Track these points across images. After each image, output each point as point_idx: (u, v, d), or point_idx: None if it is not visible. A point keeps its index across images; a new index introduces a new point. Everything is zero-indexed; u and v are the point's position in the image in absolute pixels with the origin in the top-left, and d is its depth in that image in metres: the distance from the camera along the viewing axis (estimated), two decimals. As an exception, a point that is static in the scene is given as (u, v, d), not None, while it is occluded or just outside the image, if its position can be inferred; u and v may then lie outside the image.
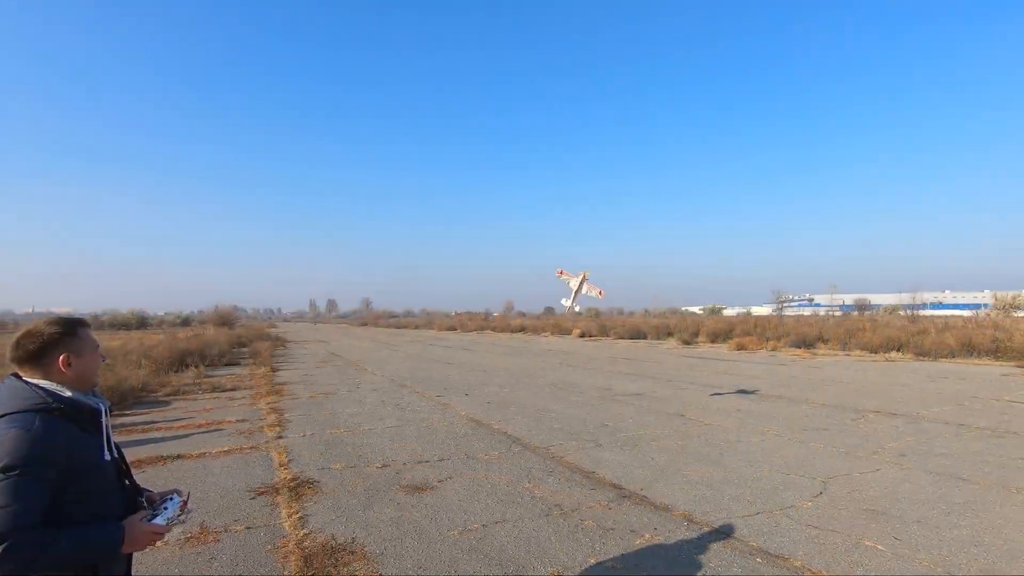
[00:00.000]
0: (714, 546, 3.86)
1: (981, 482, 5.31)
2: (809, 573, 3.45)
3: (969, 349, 19.06)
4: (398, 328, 76.45)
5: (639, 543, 3.92)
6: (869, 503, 4.74)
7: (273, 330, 57.89)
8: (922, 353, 19.49)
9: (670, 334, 34.31)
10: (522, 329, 51.74)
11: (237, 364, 19.00)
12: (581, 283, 11.25)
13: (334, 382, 13.78)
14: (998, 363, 17.05)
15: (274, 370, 16.66)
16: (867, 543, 3.90)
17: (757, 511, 4.57)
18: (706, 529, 4.18)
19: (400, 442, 7.18)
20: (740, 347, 24.84)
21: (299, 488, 5.23)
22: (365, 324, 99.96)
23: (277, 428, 8.05)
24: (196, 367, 15.43)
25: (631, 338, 35.96)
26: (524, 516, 4.48)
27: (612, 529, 4.18)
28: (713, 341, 29.44)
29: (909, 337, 21.12)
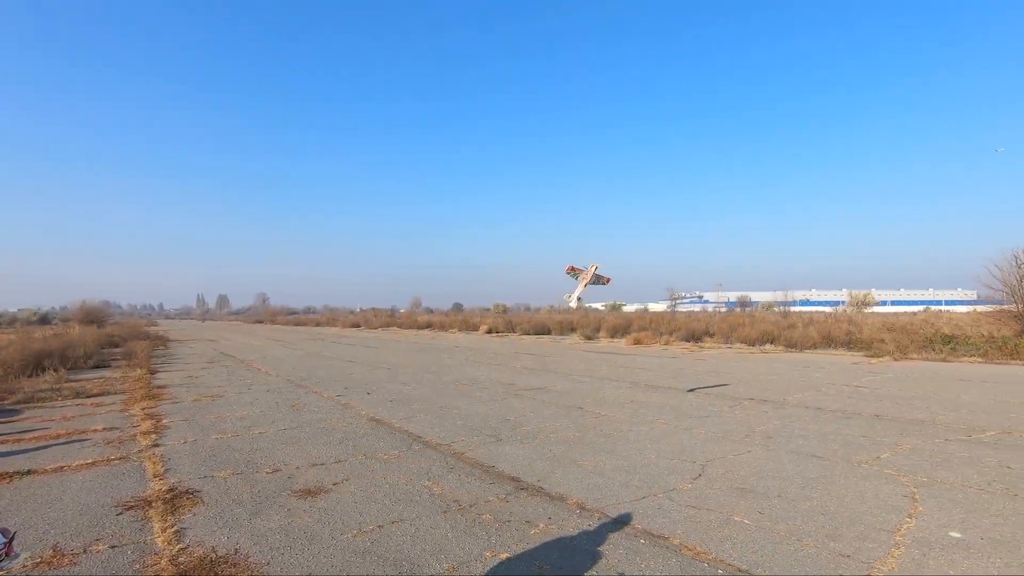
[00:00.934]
0: (603, 531, 4.07)
1: (830, 458, 6.03)
2: (685, 549, 3.74)
3: (828, 341, 21.56)
4: (298, 325, 72.79)
5: (534, 533, 4.04)
6: (740, 482, 5.22)
7: (153, 328, 52.87)
8: (791, 345, 21.74)
9: (573, 330, 35.60)
10: (429, 326, 51.29)
11: (107, 366, 17.13)
12: (591, 275, 11.18)
13: (222, 384, 12.84)
14: (850, 353, 19.43)
15: (152, 372, 15.20)
16: (736, 518, 4.29)
17: (643, 495, 4.87)
18: (597, 515, 4.39)
19: (294, 445, 6.85)
20: (637, 342, 26.29)
21: (176, 500, 4.83)
22: (261, 321, 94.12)
23: (153, 436, 7.36)
24: (55, 370, 13.70)
25: (536, 334, 36.83)
26: (422, 514, 4.45)
27: (509, 521, 4.27)
28: (613, 336, 30.88)
29: (780, 331, 23.51)
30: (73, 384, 12.39)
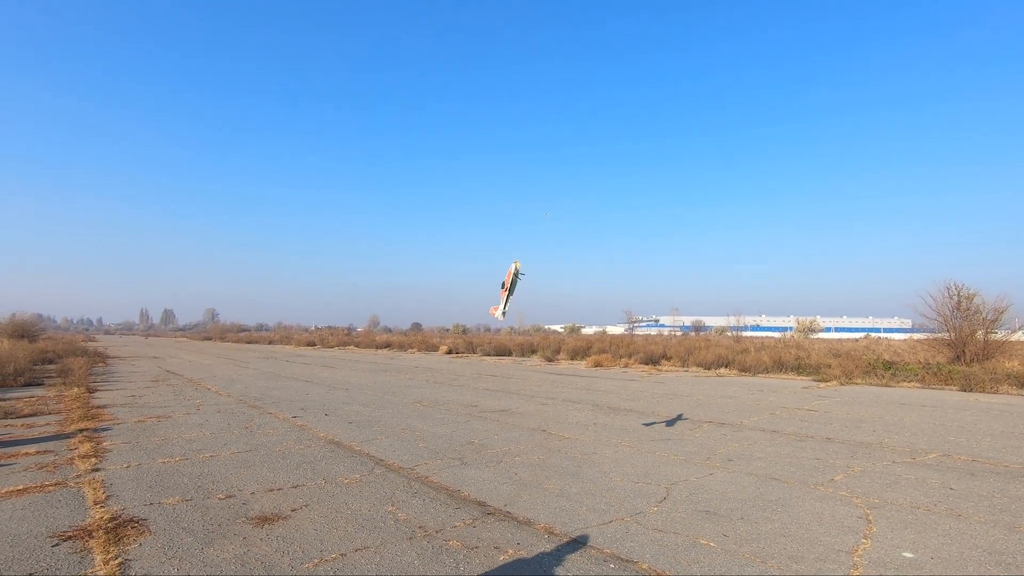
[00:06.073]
0: (572, 556, 4.03)
1: (788, 480, 6.20)
2: (654, 573, 3.74)
3: (779, 366, 22.31)
4: (249, 343, 70.27)
5: (503, 559, 3.97)
6: (704, 504, 5.30)
7: (91, 344, 49.96)
8: (744, 369, 22.40)
9: (534, 351, 35.64)
10: (387, 345, 50.39)
11: (40, 384, 16.01)
12: (514, 279, 9.04)
13: (169, 404, 12.20)
14: (800, 377, 20.17)
15: (91, 391, 14.31)
16: (702, 541, 4.34)
17: (610, 519, 4.87)
18: (565, 540, 4.36)
19: (248, 469, 6.54)
20: (597, 364, 26.54)
21: (120, 529, 4.51)
22: (209, 338, 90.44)
23: (92, 460, 6.89)
24: (-19, 389, 12.70)
25: (498, 355, 36.70)
26: (387, 541, 4.30)
27: (476, 547, 4.19)
28: (573, 358, 31.12)
29: (734, 355, 24.20)
30: (1, 403, 11.51)
